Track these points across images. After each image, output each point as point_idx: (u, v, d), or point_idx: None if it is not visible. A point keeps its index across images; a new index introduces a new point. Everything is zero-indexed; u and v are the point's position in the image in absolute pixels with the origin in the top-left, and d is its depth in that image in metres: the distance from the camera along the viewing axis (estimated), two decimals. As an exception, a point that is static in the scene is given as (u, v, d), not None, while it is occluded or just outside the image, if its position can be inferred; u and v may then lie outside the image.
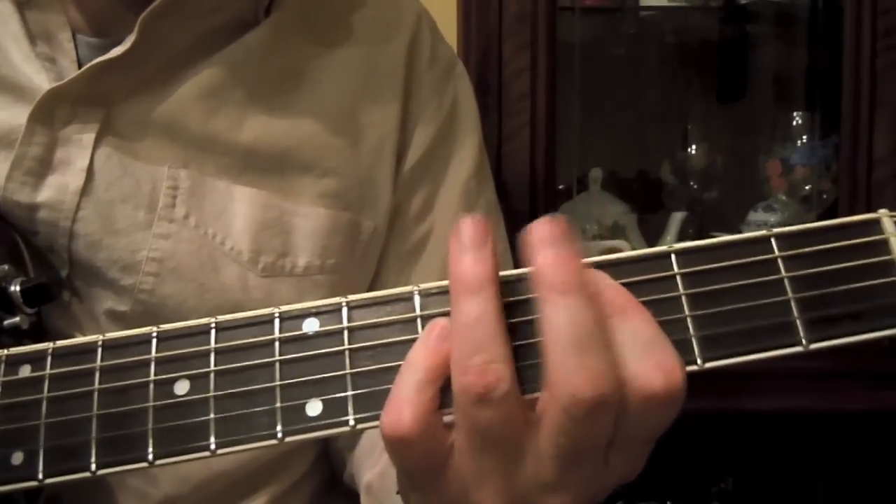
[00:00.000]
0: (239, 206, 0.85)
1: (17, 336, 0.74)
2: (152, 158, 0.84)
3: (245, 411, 0.55)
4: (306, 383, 0.55)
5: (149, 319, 0.80)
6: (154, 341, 0.58)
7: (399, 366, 0.54)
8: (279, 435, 0.55)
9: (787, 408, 1.41)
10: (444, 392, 0.53)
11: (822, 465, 1.56)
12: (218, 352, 0.57)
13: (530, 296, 0.54)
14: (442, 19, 1.11)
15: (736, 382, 1.24)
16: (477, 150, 0.99)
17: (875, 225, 0.54)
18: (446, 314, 0.54)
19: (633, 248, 1.62)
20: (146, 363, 0.58)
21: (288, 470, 0.94)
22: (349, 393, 0.54)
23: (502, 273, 0.55)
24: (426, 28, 0.98)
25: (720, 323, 0.53)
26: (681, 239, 1.67)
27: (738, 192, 1.76)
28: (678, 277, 0.54)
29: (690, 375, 0.52)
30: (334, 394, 0.55)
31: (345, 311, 0.56)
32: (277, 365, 0.56)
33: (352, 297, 0.56)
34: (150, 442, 0.56)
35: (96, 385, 0.58)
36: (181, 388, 0.57)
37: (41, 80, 0.82)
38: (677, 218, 1.67)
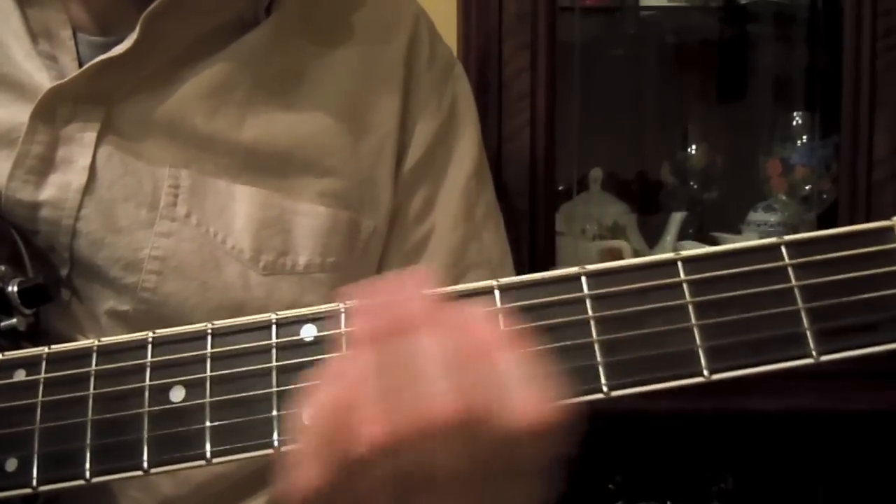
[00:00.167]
0: (240, 205, 0.85)
1: (15, 338, 0.73)
2: (153, 157, 0.84)
3: (241, 419, 0.55)
4: (304, 391, 0.55)
5: (150, 318, 0.81)
6: (150, 346, 0.57)
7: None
8: (276, 444, 0.54)
9: (788, 407, 1.41)
10: None
11: (823, 466, 1.56)
12: (214, 358, 0.57)
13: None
14: (442, 19, 1.11)
15: (736, 382, 1.24)
16: (476, 149, 0.99)
17: (888, 233, 0.53)
18: None
19: (633, 249, 1.63)
20: (142, 368, 0.57)
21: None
22: None
23: (505, 280, 0.54)
24: (425, 29, 0.98)
25: (728, 333, 0.52)
26: (680, 239, 1.67)
27: (738, 192, 1.75)
28: (685, 285, 0.53)
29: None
30: None
31: (343, 317, 0.55)
32: (274, 372, 0.55)
33: (350, 303, 0.56)
34: (145, 449, 0.56)
35: (91, 390, 0.58)
36: (177, 394, 0.56)
37: (42, 79, 0.82)
38: (677, 218, 1.67)
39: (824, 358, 0.51)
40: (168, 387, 0.57)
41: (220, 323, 0.57)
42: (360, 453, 0.49)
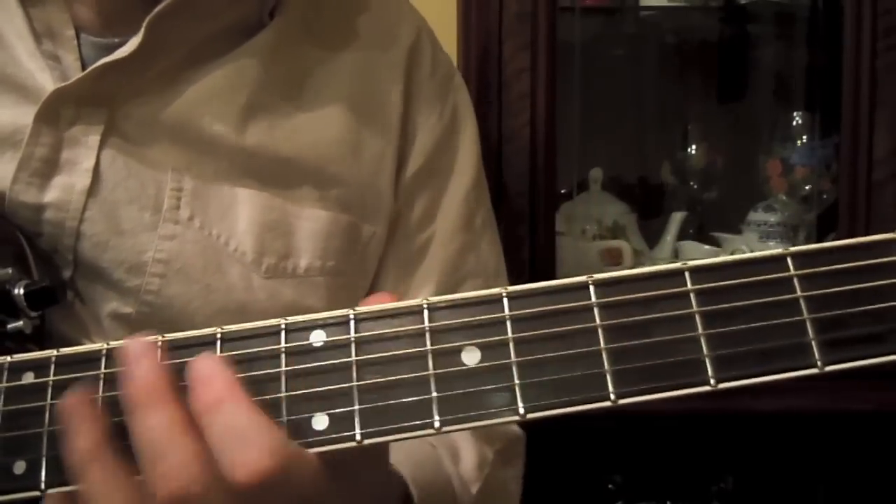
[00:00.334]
0: (242, 208, 0.85)
1: (21, 340, 0.74)
2: (157, 160, 0.84)
3: None
4: (312, 396, 0.55)
5: (153, 321, 0.81)
6: (159, 350, 0.58)
7: (405, 379, 0.54)
8: None
9: (788, 408, 1.41)
10: None
11: (823, 466, 1.56)
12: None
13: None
14: (442, 19, 1.11)
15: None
16: (476, 159, 0.99)
17: (894, 245, 0.53)
18: (455, 327, 0.54)
19: (633, 249, 1.63)
20: None
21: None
22: (356, 407, 0.54)
23: (514, 288, 0.54)
24: (426, 38, 0.99)
25: (734, 342, 0.53)
26: (680, 239, 1.67)
27: (738, 192, 1.75)
28: (692, 295, 0.53)
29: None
30: (341, 408, 0.54)
31: (352, 323, 0.56)
32: (283, 377, 0.55)
33: (359, 309, 0.56)
34: None
35: (100, 394, 0.58)
36: (186, 399, 0.56)
37: (45, 80, 0.82)
38: (677, 218, 1.67)
39: (829, 368, 0.52)
40: None
41: (229, 328, 0.57)
42: None
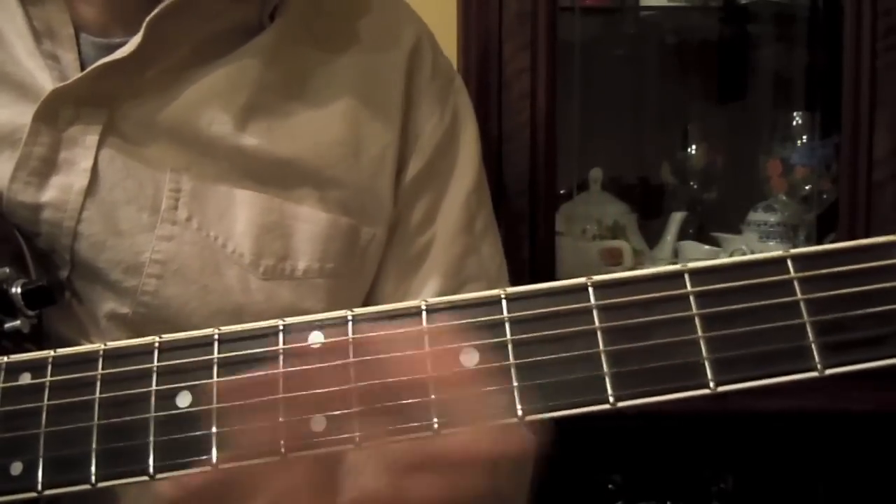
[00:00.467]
0: (240, 210, 0.85)
1: (18, 340, 0.74)
2: (155, 161, 0.84)
3: (248, 425, 0.55)
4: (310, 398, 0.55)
5: (150, 322, 0.81)
6: (156, 352, 0.57)
7: (403, 381, 0.54)
8: (283, 450, 0.54)
9: (788, 407, 1.41)
10: None
11: (823, 466, 1.56)
12: (221, 364, 0.56)
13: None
14: (442, 19, 1.11)
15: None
16: (477, 162, 0.99)
17: (894, 248, 0.53)
18: (454, 328, 0.54)
19: (633, 249, 1.63)
20: (148, 373, 0.57)
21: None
22: (353, 409, 0.54)
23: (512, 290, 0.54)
24: (426, 41, 0.98)
25: (734, 345, 0.52)
26: (680, 239, 1.67)
27: (738, 192, 1.75)
28: (692, 297, 0.53)
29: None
30: (339, 409, 0.54)
31: (350, 324, 0.55)
32: (281, 378, 0.55)
33: (357, 311, 0.56)
34: (151, 455, 0.56)
35: (97, 395, 0.58)
36: (183, 400, 0.56)
37: (44, 79, 0.82)
38: (677, 218, 1.67)
39: (829, 371, 0.51)
40: (175, 392, 0.57)
41: (227, 329, 0.57)
42: None
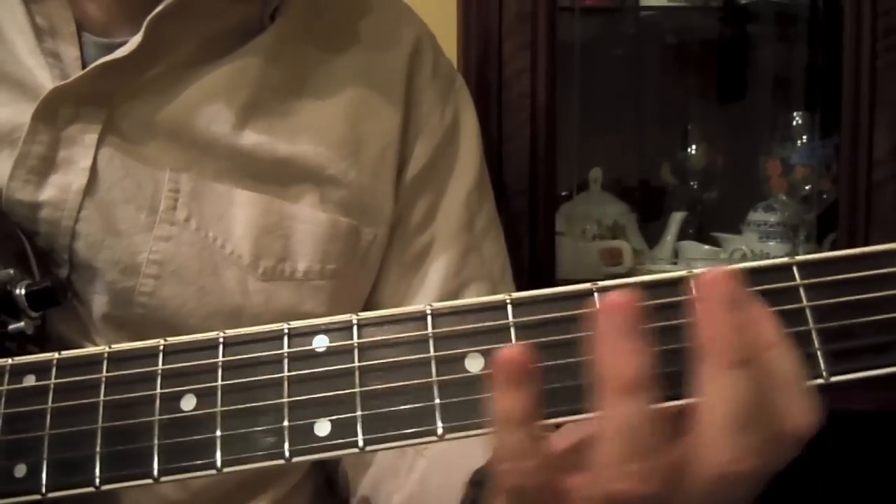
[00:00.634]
0: (240, 210, 0.85)
1: (22, 341, 0.74)
2: (154, 160, 0.83)
3: (252, 430, 0.55)
4: (315, 402, 0.55)
5: (147, 322, 0.81)
6: (161, 354, 0.57)
7: (408, 386, 0.54)
8: (287, 454, 0.54)
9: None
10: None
11: (823, 466, 1.56)
12: (225, 367, 0.56)
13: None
14: (442, 19, 1.11)
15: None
16: (478, 162, 0.99)
17: None
18: (458, 334, 0.54)
19: (634, 249, 1.63)
20: (152, 376, 0.57)
21: (290, 473, 0.94)
22: (358, 414, 0.54)
23: (517, 295, 0.54)
24: (427, 42, 0.99)
25: None
26: (681, 239, 1.67)
27: (738, 192, 1.75)
28: (697, 304, 0.53)
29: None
30: (343, 414, 0.54)
31: (355, 328, 0.55)
32: (286, 382, 0.55)
33: (362, 315, 0.56)
34: (156, 458, 0.56)
35: (101, 398, 0.58)
36: (188, 403, 0.56)
37: (44, 77, 0.82)
38: (677, 218, 1.67)
39: (834, 379, 0.51)
40: (179, 395, 0.57)
41: (231, 332, 0.57)
42: None
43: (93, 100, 0.82)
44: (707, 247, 1.68)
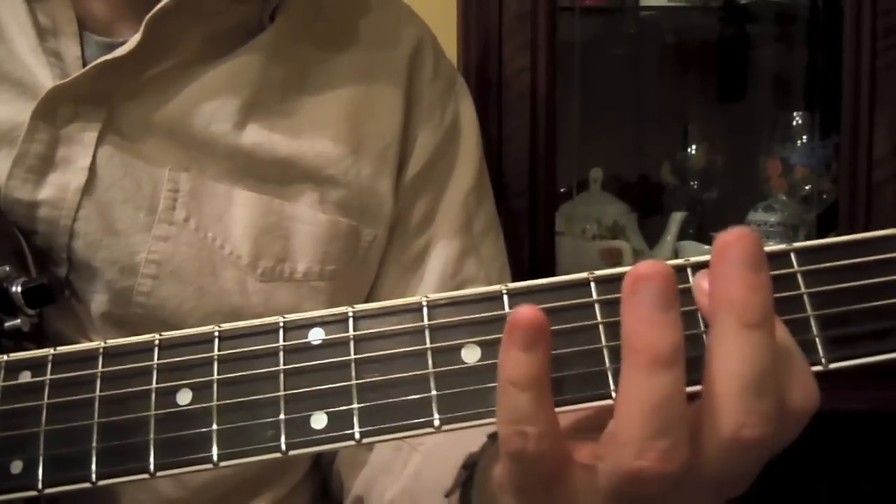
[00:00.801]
0: (239, 211, 0.85)
1: (18, 338, 0.73)
2: (154, 160, 0.83)
3: (248, 423, 0.55)
4: (311, 395, 0.54)
5: (146, 322, 0.81)
6: (156, 349, 0.57)
7: (404, 377, 0.53)
8: (283, 448, 0.54)
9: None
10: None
11: (823, 466, 1.56)
12: (221, 361, 0.56)
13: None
14: (442, 19, 1.11)
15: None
16: (478, 163, 0.99)
17: None
18: (454, 325, 0.54)
19: (633, 249, 1.63)
20: (148, 371, 0.57)
21: (290, 473, 0.93)
22: (354, 406, 0.54)
23: (514, 285, 0.54)
24: (428, 43, 0.99)
25: None
26: (681, 239, 1.67)
27: (738, 192, 1.75)
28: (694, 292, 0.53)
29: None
30: (339, 406, 0.54)
31: (351, 321, 0.55)
32: (282, 375, 0.55)
33: (358, 307, 0.56)
34: (152, 452, 0.55)
35: (97, 393, 0.57)
36: (183, 397, 0.56)
37: (45, 76, 0.82)
38: (677, 218, 1.67)
39: (833, 366, 0.51)
40: (175, 389, 0.56)
41: (227, 326, 0.57)
42: None
43: (92, 99, 0.82)
44: (707, 247, 1.67)
